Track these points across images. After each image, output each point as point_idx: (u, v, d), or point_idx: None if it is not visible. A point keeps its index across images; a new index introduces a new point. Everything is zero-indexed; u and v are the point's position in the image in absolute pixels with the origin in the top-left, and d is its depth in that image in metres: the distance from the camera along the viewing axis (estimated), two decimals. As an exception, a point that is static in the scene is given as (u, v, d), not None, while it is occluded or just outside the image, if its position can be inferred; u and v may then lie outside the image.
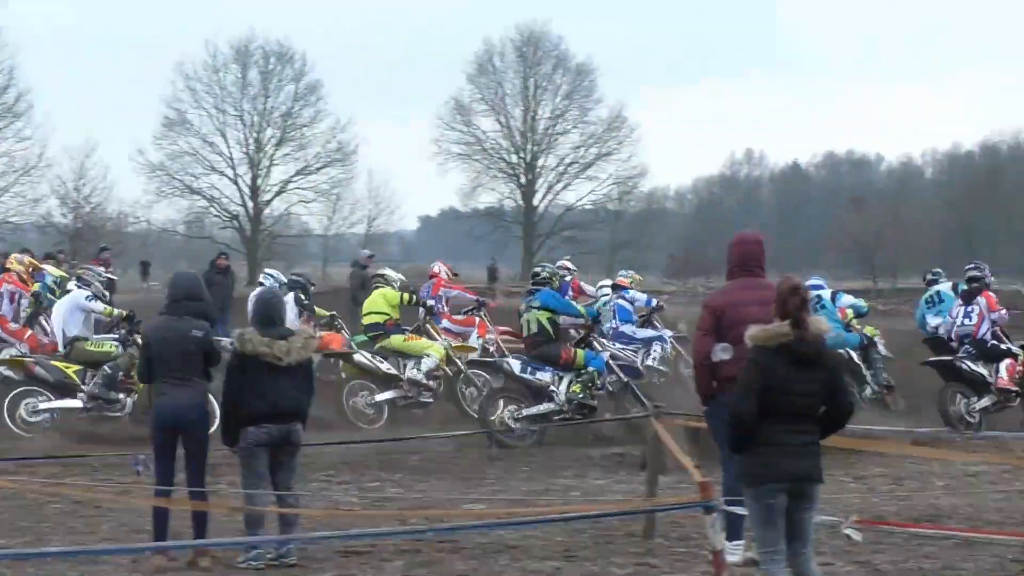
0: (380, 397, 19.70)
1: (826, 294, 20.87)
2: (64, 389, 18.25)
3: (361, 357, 20.08)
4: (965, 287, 20.44)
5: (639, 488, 14.02)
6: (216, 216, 77.00)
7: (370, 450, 16.94)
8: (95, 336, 19.18)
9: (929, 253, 78.81)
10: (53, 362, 18.42)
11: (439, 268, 24.80)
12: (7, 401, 17.90)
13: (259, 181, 74.77)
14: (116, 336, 19.02)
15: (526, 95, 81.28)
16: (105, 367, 18.25)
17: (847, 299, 21.47)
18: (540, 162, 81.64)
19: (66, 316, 19.03)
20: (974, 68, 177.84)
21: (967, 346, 19.75)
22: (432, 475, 16.21)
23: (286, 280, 22.88)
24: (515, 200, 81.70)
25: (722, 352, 10.75)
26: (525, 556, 11.55)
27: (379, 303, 20.84)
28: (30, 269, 21.42)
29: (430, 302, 22.27)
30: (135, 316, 18.85)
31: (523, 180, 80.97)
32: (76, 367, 18.37)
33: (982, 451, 16.84)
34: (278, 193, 75.48)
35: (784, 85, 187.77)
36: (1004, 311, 20.33)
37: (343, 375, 20.30)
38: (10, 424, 17.75)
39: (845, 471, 16.11)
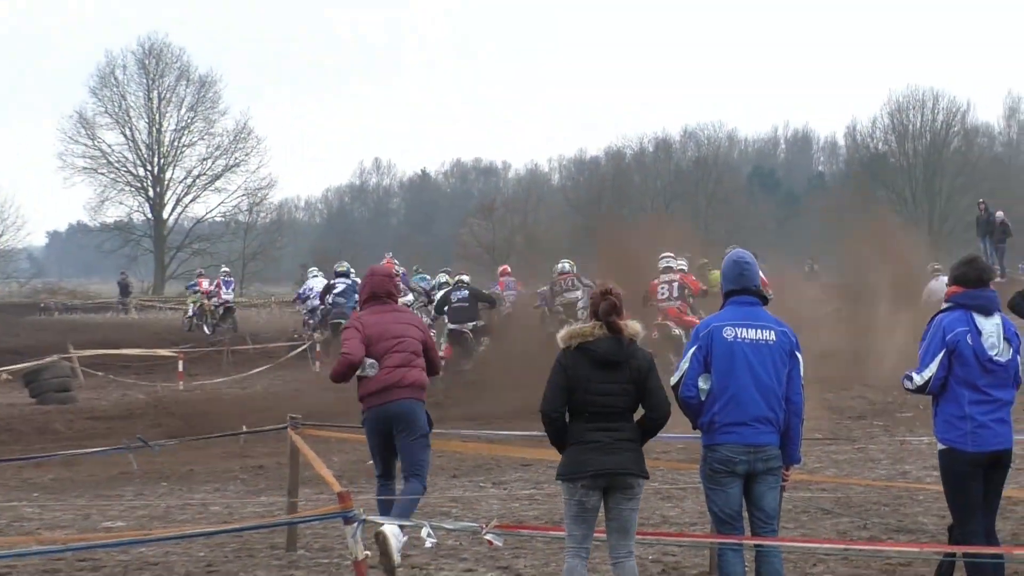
0: None
1: None
2: None
3: None
4: None
5: (280, 500, 14.05)
6: None
7: (5, 469, 16.49)
8: None
9: (558, 255, 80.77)
10: None
11: None
12: None
13: None
14: None
15: (150, 107, 79.93)
16: None
17: None
18: (168, 175, 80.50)
19: None
20: (596, 80, 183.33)
21: None
22: (69, 493, 15.89)
23: None
24: (144, 213, 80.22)
25: (369, 368, 11.14)
26: (167, 572, 11.45)
27: None
28: None
29: None
30: None
31: (151, 193, 79.57)
32: None
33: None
34: (-98, 211, 72.40)
35: (407, 96, 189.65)
36: None
37: None
38: None
39: (485, 477, 16.47)
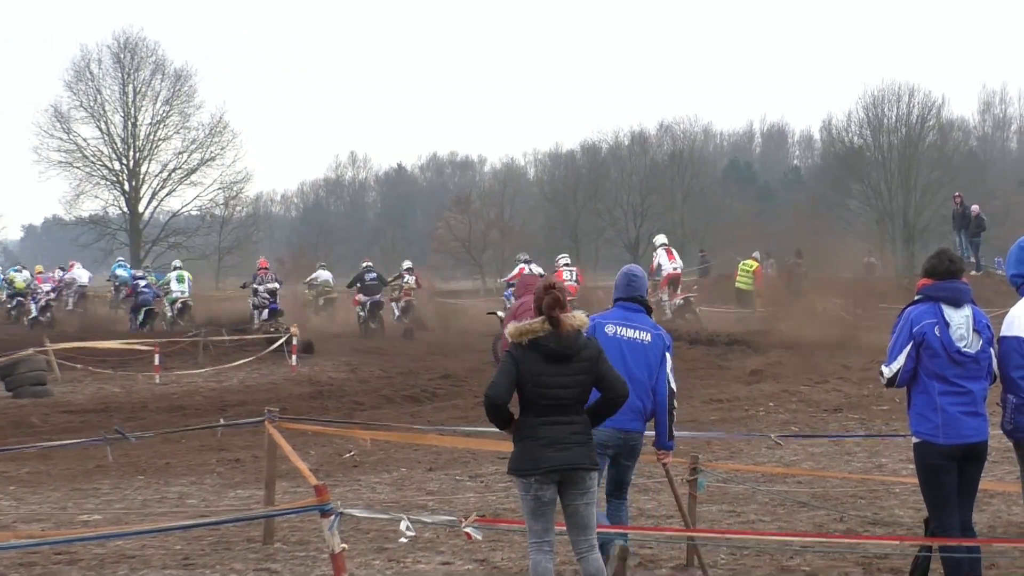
0: None
1: None
2: None
3: None
4: None
5: (257, 493, 14.04)
6: None
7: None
8: None
9: (535, 250, 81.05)
10: None
11: None
12: None
13: None
14: None
15: (125, 101, 79.65)
16: None
17: None
18: (143, 168, 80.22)
19: None
20: (572, 74, 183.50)
21: None
22: (45, 486, 15.86)
23: None
24: (119, 207, 79.98)
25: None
26: (144, 566, 11.44)
27: None
28: None
29: None
30: None
31: (127, 187, 79.32)
32: None
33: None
34: None
35: (383, 90, 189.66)
36: None
37: None
38: None
39: (461, 470, 16.49)
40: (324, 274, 46.05)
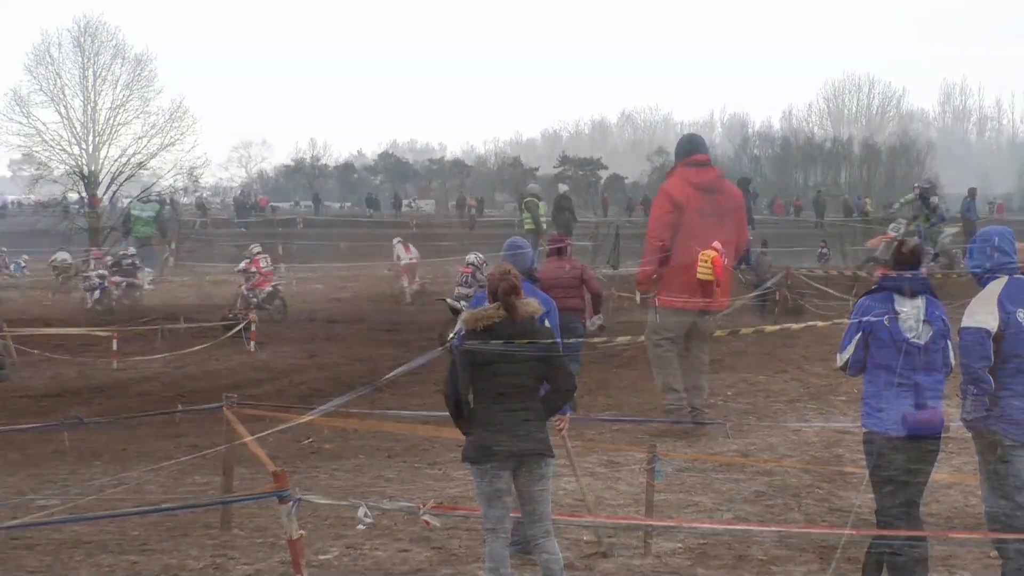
0: None
1: None
2: None
3: None
4: None
5: (215, 480, 14.00)
6: None
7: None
8: None
9: (495, 237, 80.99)
10: None
11: None
12: None
13: None
14: None
15: (85, 86, 79.24)
16: None
17: None
18: (103, 153, 79.77)
19: None
20: (533, 62, 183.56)
21: None
22: (2, 471, 15.76)
23: None
24: (78, 192, 79.52)
25: None
26: (100, 551, 11.41)
27: None
28: None
29: None
30: None
31: (86, 171, 78.88)
32: None
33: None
34: None
35: (343, 77, 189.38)
36: None
37: None
38: None
39: (420, 458, 16.48)
40: (64, 255, 51.49)
